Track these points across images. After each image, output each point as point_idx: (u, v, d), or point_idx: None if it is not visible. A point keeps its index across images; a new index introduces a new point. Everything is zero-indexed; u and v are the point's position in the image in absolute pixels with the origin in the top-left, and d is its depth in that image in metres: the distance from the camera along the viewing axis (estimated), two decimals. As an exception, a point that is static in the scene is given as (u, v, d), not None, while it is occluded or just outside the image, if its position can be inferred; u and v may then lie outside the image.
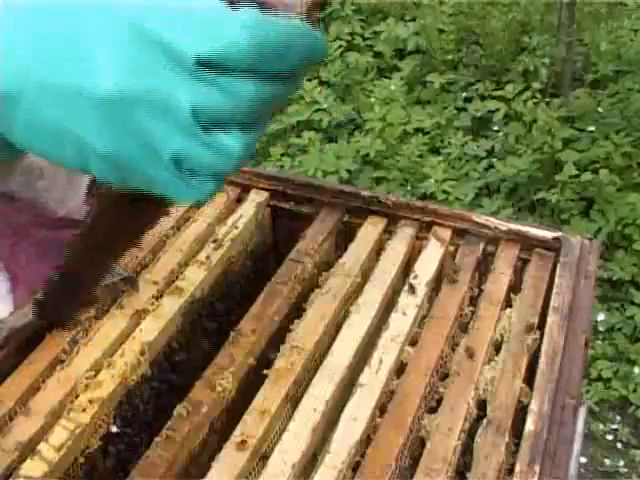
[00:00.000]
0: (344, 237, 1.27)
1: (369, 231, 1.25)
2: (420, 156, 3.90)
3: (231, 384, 1.00)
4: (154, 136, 0.56)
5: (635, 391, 2.96)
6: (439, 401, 1.00)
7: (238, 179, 1.30)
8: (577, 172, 3.50)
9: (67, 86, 0.56)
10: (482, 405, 1.00)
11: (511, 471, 0.92)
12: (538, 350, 1.06)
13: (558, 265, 1.18)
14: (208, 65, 0.55)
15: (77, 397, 0.96)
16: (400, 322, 1.09)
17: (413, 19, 4.72)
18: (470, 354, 1.05)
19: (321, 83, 4.40)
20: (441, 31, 4.51)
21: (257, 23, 0.55)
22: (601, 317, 3.18)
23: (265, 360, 1.05)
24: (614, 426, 2.91)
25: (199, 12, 0.55)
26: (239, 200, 1.29)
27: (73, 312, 1.01)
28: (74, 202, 1.17)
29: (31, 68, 0.57)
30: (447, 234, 1.24)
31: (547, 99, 3.94)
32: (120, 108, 0.55)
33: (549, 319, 1.09)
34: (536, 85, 4.03)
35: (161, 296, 1.10)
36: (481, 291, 1.17)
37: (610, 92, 4.06)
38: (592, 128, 3.80)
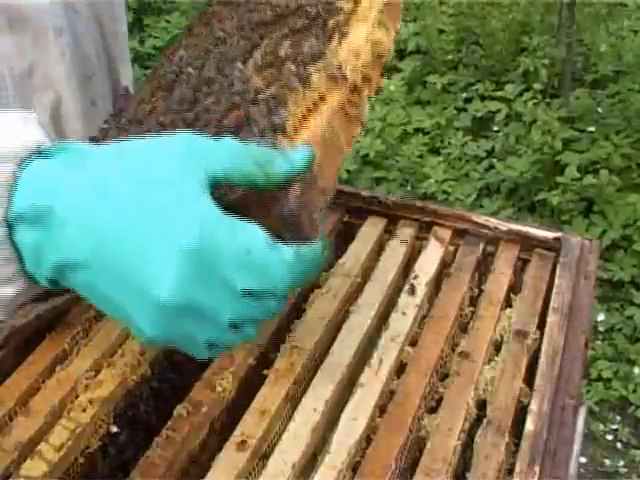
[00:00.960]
0: (344, 237, 1.27)
1: (369, 231, 1.25)
2: (420, 156, 3.90)
3: (231, 384, 1.00)
4: (195, 333, 0.70)
5: (635, 391, 2.96)
6: (439, 401, 1.00)
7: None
8: (578, 174, 3.50)
9: (130, 279, 0.66)
10: (482, 405, 1.00)
11: (511, 471, 0.92)
12: (538, 350, 1.06)
13: (558, 265, 1.18)
14: (251, 293, 0.69)
15: (77, 397, 0.96)
16: (400, 322, 1.09)
17: (413, 19, 4.71)
18: (470, 354, 1.05)
19: (321, 83, 4.40)
20: (441, 31, 4.50)
21: (296, 263, 0.71)
22: (601, 317, 3.17)
23: (265, 360, 1.04)
24: (614, 426, 2.90)
25: (251, 251, 0.68)
26: (239, 200, 1.29)
27: None
28: None
29: (103, 253, 0.66)
30: (447, 234, 1.24)
31: (547, 100, 3.93)
32: (170, 313, 0.67)
33: (549, 319, 1.09)
34: (536, 85, 4.01)
35: (161, 296, 1.10)
36: (481, 291, 1.17)
37: (610, 92, 4.05)
38: (592, 129, 3.79)
